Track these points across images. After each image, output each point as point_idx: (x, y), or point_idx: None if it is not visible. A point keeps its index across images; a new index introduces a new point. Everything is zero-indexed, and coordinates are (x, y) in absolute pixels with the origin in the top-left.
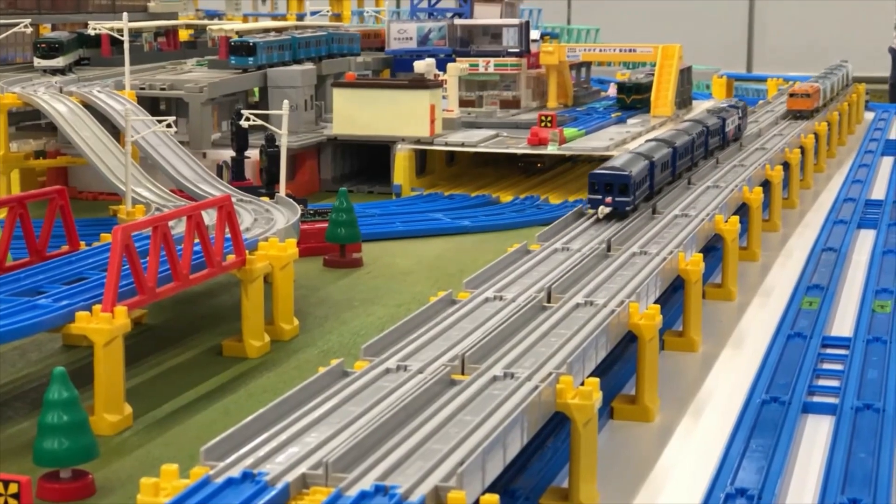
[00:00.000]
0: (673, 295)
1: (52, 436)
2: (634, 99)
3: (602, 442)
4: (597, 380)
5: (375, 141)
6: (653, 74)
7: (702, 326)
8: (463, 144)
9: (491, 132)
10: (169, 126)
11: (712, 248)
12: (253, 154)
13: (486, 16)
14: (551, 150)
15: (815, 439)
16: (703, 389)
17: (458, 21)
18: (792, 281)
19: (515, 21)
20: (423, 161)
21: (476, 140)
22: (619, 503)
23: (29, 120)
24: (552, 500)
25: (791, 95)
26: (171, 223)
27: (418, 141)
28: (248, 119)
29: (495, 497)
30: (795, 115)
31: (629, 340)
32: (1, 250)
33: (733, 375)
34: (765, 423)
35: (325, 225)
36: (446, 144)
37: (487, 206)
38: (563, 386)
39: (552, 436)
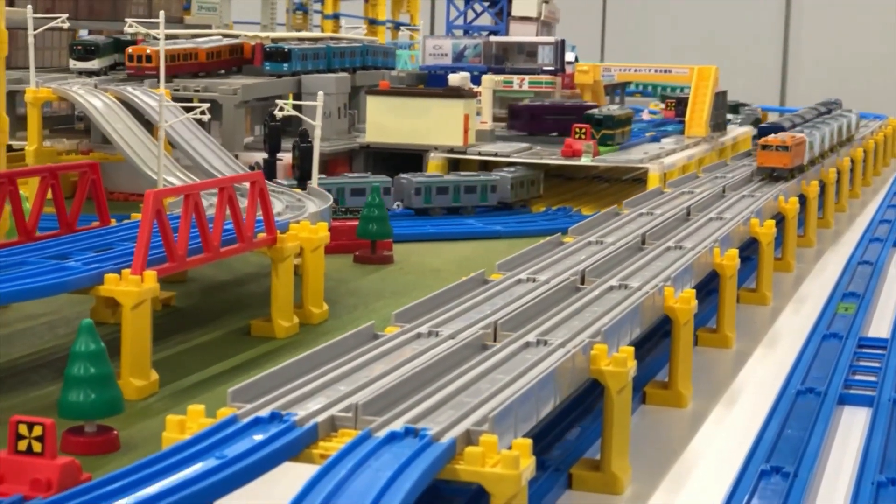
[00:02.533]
0: (706, 298)
1: (78, 388)
2: (605, 133)
3: (633, 424)
4: (631, 348)
5: (408, 149)
6: (625, 108)
7: (736, 327)
8: (496, 154)
9: (524, 144)
10: (203, 113)
11: (746, 259)
12: (285, 157)
13: (521, 34)
14: (585, 161)
15: (851, 428)
16: (737, 381)
17: (493, 38)
18: (827, 289)
19: (551, 39)
20: (456, 171)
21: (509, 151)
22: (650, 480)
23: (63, 124)
24: (583, 471)
25: (763, 147)
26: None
27: (451, 150)
28: (282, 109)
29: (528, 441)
30: (771, 174)
31: (662, 335)
32: (31, 219)
33: (768, 370)
34: (800, 411)
35: (356, 222)
36: (479, 154)
37: (519, 214)
38: (597, 353)
39: (582, 419)
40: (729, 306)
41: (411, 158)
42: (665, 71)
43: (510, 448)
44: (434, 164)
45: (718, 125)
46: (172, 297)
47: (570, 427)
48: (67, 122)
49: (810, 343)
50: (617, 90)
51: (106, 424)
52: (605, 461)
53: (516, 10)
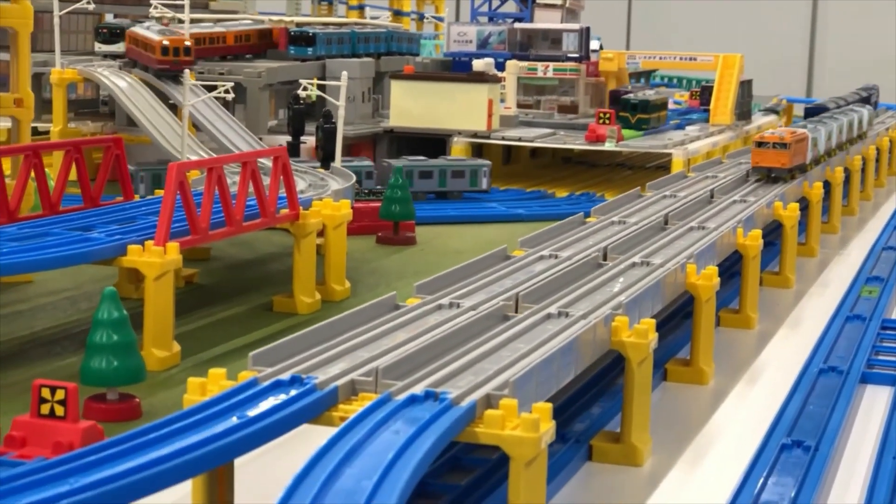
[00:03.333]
0: (729, 280)
1: (100, 355)
2: (640, 118)
3: (654, 401)
4: (652, 321)
5: (432, 134)
6: (661, 94)
7: (759, 309)
8: (520, 139)
9: (548, 130)
10: (227, 92)
11: (769, 244)
12: (309, 140)
13: (546, 21)
14: (609, 146)
15: (873, 406)
16: (759, 360)
17: (518, 25)
18: (851, 273)
19: (576, 26)
20: (479, 156)
21: (533, 136)
22: (671, 453)
23: (88, 108)
24: (604, 443)
25: (758, 145)
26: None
27: (475, 135)
28: (305, 88)
29: (548, 405)
30: (768, 174)
31: (683, 316)
32: (55, 193)
33: (790, 349)
34: (822, 389)
35: (379, 204)
36: (503, 139)
37: (542, 199)
38: (618, 324)
39: (603, 395)
40: (752, 287)
41: (435, 143)
42: (690, 59)
43: (530, 412)
44: (457, 148)
45: (743, 113)
46: (195, 274)
47: (592, 403)
48: (92, 105)
49: (833, 324)
50: (642, 78)
51: (128, 392)
52: (625, 433)
53: None
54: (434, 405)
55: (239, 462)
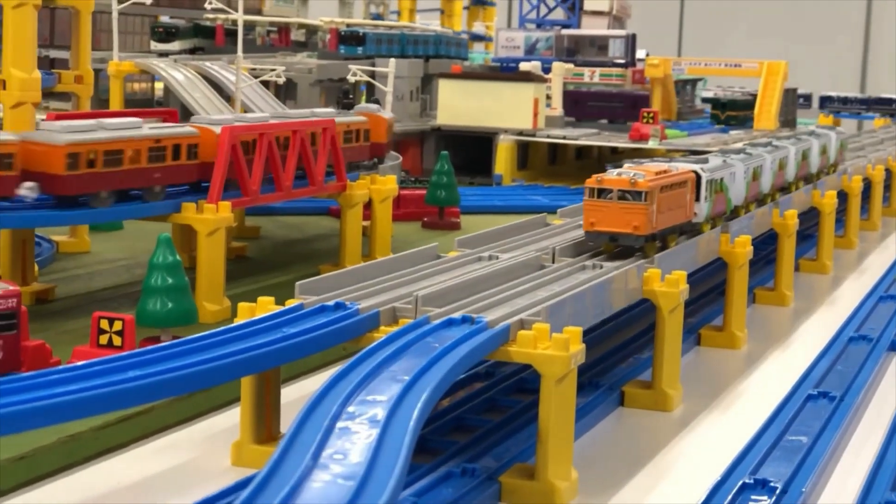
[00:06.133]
0: (766, 266)
1: (155, 297)
2: (729, 115)
3: (687, 361)
4: (683, 273)
5: (478, 132)
6: (748, 93)
7: (796, 291)
8: (565, 138)
9: (593, 130)
10: (279, 76)
11: (808, 236)
12: None
13: (593, 27)
14: (652, 144)
15: None
16: (792, 332)
17: (565, 32)
18: (887, 263)
19: (622, 33)
20: (525, 155)
21: (577, 134)
22: (700, 402)
23: (140, 106)
24: (635, 388)
25: (591, 195)
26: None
27: (521, 133)
28: (355, 74)
29: (578, 328)
30: (613, 245)
31: (719, 294)
32: None
33: (824, 323)
34: (851, 353)
35: (425, 191)
36: (548, 137)
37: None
38: (650, 275)
39: (635, 354)
40: (787, 265)
41: (481, 141)
42: (735, 65)
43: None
44: (504, 146)
45: (788, 121)
46: (245, 247)
47: (626, 358)
48: (147, 105)
49: (867, 302)
50: (688, 85)
51: (181, 336)
52: (656, 379)
53: (588, 4)
54: (470, 327)
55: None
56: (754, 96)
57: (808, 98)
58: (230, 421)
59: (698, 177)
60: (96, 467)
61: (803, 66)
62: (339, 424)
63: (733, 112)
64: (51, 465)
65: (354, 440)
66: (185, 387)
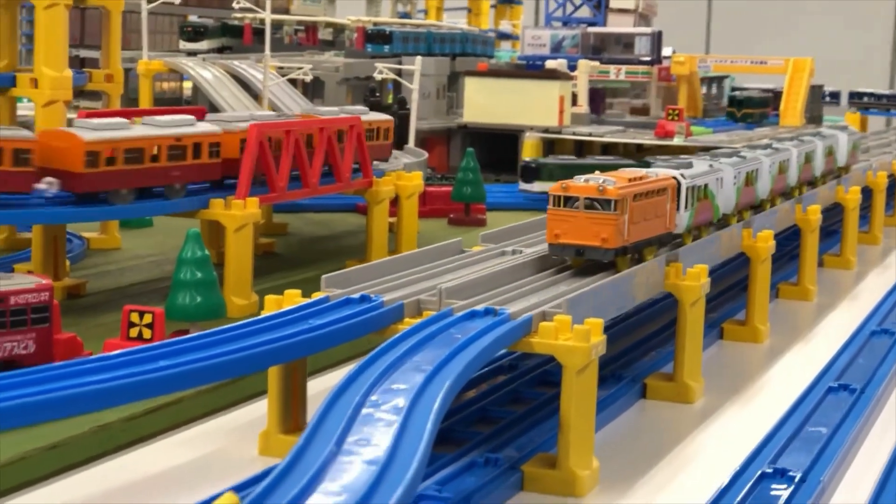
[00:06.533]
0: (790, 262)
1: (185, 291)
2: (745, 112)
3: (710, 355)
4: (705, 267)
5: (504, 129)
6: (765, 90)
7: (820, 285)
8: (591, 135)
9: (618, 127)
10: (306, 74)
11: (833, 232)
12: None
13: (619, 25)
14: (678, 141)
15: None
16: (816, 325)
17: (591, 29)
18: None
19: (648, 30)
20: (551, 153)
21: (603, 132)
22: (722, 395)
23: (169, 104)
24: (657, 381)
25: (556, 203)
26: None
27: (546, 130)
28: (381, 72)
29: (599, 320)
30: (580, 258)
31: (741, 289)
32: None
33: (846, 317)
34: (873, 347)
35: (451, 188)
36: (574, 134)
37: None
38: (672, 269)
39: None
40: (810, 260)
41: (507, 138)
42: (760, 62)
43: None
44: (529, 143)
45: (814, 118)
46: (273, 243)
47: (648, 352)
48: (176, 103)
49: (890, 297)
50: (714, 83)
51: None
52: (677, 372)
53: (614, 2)
54: (492, 319)
55: None
56: (772, 93)
57: (836, 95)
58: (257, 412)
59: (678, 183)
60: (126, 457)
61: (832, 63)
62: (363, 412)
63: (749, 109)
64: (82, 454)
65: (378, 427)
66: (213, 376)
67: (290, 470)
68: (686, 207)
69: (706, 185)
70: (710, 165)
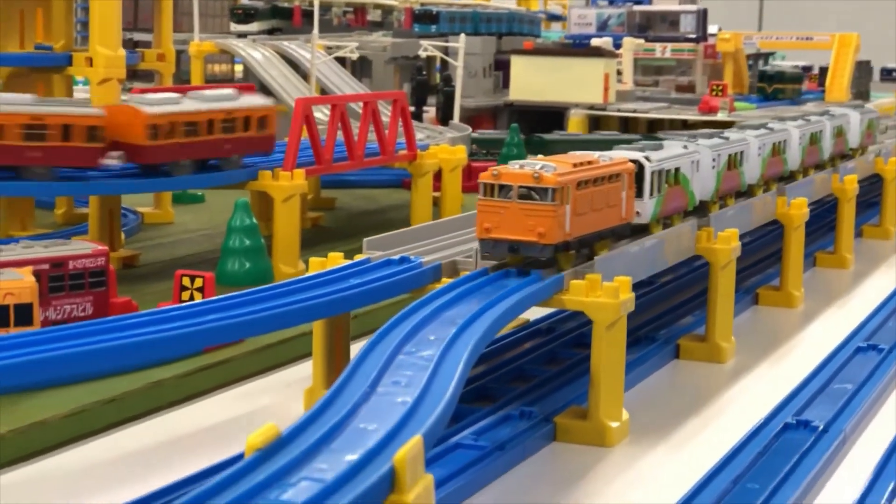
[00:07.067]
0: (829, 233)
1: (234, 258)
2: (776, 88)
3: (744, 319)
4: (736, 230)
5: (550, 106)
6: (798, 67)
7: (858, 255)
8: (635, 111)
9: (663, 104)
10: (352, 52)
11: (873, 204)
12: (430, 110)
13: (664, 3)
14: (721, 117)
15: None
16: (850, 293)
17: (636, 7)
18: None
19: (693, 7)
20: (596, 129)
21: (648, 108)
22: (754, 355)
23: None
24: (690, 341)
25: (486, 193)
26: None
27: (591, 107)
28: (426, 50)
29: (627, 278)
30: (513, 254)
31: (777, 259)
32: None
33: (882, 284)
34: None
35: (495, 163)
36: (619, 111)
37: None
38: (704, 233)
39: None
40: (847, 229)
41: (553, 115)
42: (806, 38)
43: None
44: (575, 120)
45: (861, 93)
46: (320, 217)
47: (683, 316)
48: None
49: None
50: (760, 59)
51: None
52: (709, 333)
53: None
54: (525, 277)
55: None
56: (804, 70)
57: (889, 72)
58: (303, 372)
59: (641, 167)
60: (179, 412)
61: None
62: (397, 359)
63: (780, 85)
64: (137, 408)
65: (410, 372)
66: (260, 328)
67: (328, 406)
68: (651, 194)
69: (677, 170)
70: (685, 147)
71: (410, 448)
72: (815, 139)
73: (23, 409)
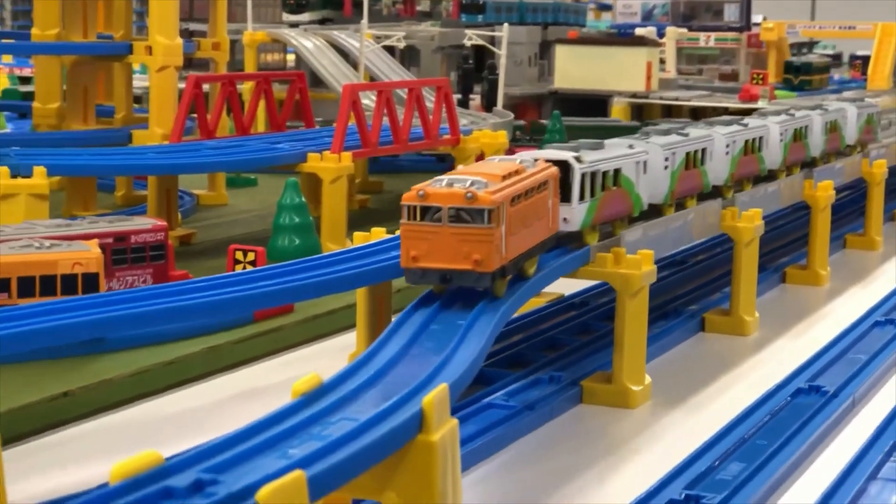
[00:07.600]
0: (859, 218)
1: (284, 234)
2: (802, 79)
3: (771, 297)
4: (759, 210)
5: (593, 94)
6: (827, 56)
7: (886, 238)
8: (677, 99)
9: (705, 92)
10: (399, 41)
11: None
12: (477, 98)
13: None
14: (762, 104)
15: None
16: (876, 272)
17: None
18: None
19: None
20: (639, 117)
21: (689, 95)
22: (777, 328)
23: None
24: (715, 315)
25: (410, 216)
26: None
27: (634, 95)
28: (470, 39)
29: (650, 251)
30: (444, 282)
31: (804, 243)
32: (248, 117)
33: None
34: None
35: (537, 147)
36: (661, 99)
37: None
38: (728, 212)
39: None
40: (876, 212)
41: (596, 103)
42: (849, 27)
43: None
44: (618, 108)
45: None
46: (368, 199)
47: (710, 293)
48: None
49: None
50: (804, 48)
51: None
52: (733, 307)
53: None
54: (555, 249)
55: None
56: (832, 58)
57: None
58: (348, 341)
59: (568, 170)
60: (233, 374)
61: None
62: (432, 325)
63: (807, 76)
64: (194, 371)
65: (441, 336)
66: (307, 294)
67: (366, 362)
68: (582, 198)
69: (617, 171)
70: (630, 146)
71: (437, 393)
72: (799, 135)
73: (92, 369)
